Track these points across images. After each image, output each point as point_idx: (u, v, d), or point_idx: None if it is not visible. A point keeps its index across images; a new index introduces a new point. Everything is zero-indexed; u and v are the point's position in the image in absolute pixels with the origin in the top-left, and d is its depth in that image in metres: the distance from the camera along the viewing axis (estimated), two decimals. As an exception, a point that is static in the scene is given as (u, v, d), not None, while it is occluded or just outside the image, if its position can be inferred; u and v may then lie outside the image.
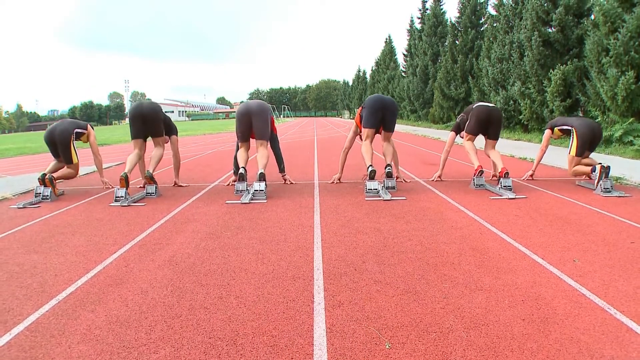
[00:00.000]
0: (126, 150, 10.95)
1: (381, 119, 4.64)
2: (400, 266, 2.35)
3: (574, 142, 4.69)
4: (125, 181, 4.25)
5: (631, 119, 8.83)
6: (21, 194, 5.15)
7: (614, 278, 2.17)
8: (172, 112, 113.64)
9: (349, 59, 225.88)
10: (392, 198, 4.05)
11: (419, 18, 27.23)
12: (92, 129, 5.29)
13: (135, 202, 4.27)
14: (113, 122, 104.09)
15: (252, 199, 4.13)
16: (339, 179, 5.14)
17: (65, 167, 5.00)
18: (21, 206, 4.33)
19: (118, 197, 4.27)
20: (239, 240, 2.91)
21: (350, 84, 68.65)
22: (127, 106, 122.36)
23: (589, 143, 4.65)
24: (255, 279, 2.24)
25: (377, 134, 4.91)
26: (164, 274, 2.36)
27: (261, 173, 4.24)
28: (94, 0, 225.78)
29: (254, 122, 4.58)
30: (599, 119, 9.68)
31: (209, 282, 2.22)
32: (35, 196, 4.65)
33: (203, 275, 2.32)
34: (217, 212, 3.77)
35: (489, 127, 4.80)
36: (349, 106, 66.52)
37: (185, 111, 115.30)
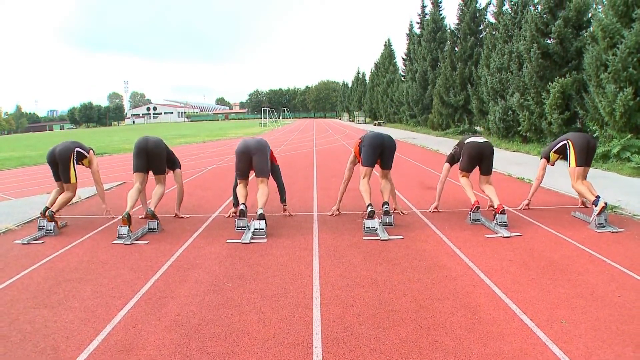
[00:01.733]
0: (126, 162, 11.00)
1: (379, 156, 4.76)
2: (395, 330, 2.46)
3: (571, 153, 4.80)
4: (127, 220, 4.35)
5: (629, 135, 8.92)
6: (24, 223, 5.26)
7: (597, 344, 2.28)
8: (172, 113, 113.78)
9: (348, 60, 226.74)
10: (390, 237, 4.15)
11: (418, 23, 27.32)
12: (95, 155, 5.37)
13: (137, 240, 4.37)
14: (112, 123, 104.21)
15: (252, 238, 4.24)
16: (338, 210, 5.25)
17: (64, 191, 5.05)
18: (25, 242, 4.44)
19: (121, 234, 4.38)
20: (241, 294, 3.02)
21: (350, 85, 68.67)
22: (127, 107, 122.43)
23: (586, 152, 4.75)
24: (257, 346, 2.35)
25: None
26: (171, 337, 2.47)
27: (261, 213, 4.33)
28: (94, 0, 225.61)
29: (254, 160, 4.69)
30: (597, 133, 9.78)
31: (214, 349, 2.33)
32: (39, 229, 4.76)
33: (208, 339, 2.43)
34: (219, 254, 3.88)
35: (482, 162, 4.91)
36: (348, 108, 66.57)
37: (185, 112, 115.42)
